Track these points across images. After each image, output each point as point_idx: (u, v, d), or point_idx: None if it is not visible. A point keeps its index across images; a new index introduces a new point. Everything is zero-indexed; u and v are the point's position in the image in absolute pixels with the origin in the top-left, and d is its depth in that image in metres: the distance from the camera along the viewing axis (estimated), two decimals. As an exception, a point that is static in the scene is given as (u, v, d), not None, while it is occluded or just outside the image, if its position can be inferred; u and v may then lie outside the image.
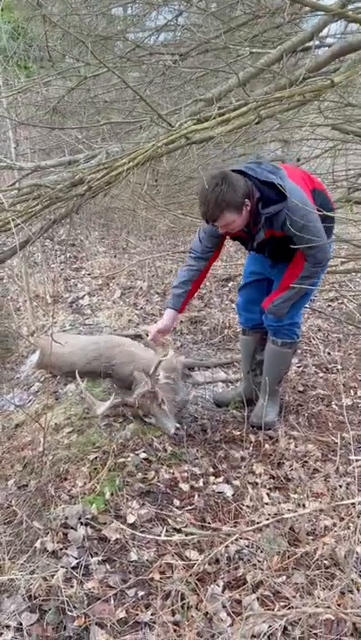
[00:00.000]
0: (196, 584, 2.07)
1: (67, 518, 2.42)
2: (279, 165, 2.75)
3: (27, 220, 2.12)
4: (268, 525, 2.23)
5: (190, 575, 2.09)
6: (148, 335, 3.25)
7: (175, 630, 1.87)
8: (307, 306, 4.42)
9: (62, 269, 7.17)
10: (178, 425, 3.25)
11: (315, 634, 1.84)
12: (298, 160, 5.24)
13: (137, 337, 4.47)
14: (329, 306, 5.46)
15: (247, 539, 2.28)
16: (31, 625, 1.91)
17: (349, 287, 5.78)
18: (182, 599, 2.00)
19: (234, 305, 5.33)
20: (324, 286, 5.73)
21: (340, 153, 4.93)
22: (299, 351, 4.34)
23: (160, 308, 5.45)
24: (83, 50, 4.14)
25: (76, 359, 3.80)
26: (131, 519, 2.46)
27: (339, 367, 4.07)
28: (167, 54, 4.03)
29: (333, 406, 3.49)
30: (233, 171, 2.60)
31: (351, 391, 3.72)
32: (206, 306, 5.42)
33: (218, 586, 2.06)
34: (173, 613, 1.95)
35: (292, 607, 1.89)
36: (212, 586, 2.06)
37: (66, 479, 2.79)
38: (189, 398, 3.72)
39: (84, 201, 2.27)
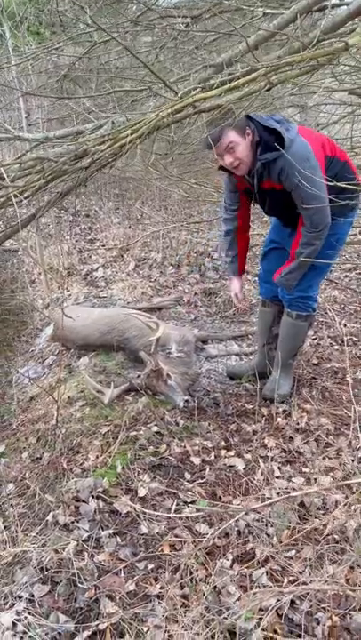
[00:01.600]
0: (205, 558, 2.09)
1: (78, 491, 2.45)
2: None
3: (30, 195, 2.08)
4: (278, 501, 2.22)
5: (200, 549, 2.11)
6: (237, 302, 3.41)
7: (183, 604, 1.89)
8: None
9: (77, 241, 7.14)
10: (187, 398, 3.25)
11: (323, 608, 1.85)
12: (316, 126, 5.09)
13: (150, 310, 4.46)
14: (346, 276, 5.36)
15: (258, 512, 2.29)
16: (42, 596, 1.95)
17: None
18: (191, 573, 2.02)
19: (249, 276, 5.26)
20: (341, 256, 5.62)
21: (360, 118, 4.77)
22: (314, 323, 4.28)
23: (174, 280, 5.42)
24: (96, 13, 4.01)
25: (88, 332, 3.82)
26: (142, 492, 2.48)
27: (354, 339, 4.01)
28: (179, 17, 3.88)
29: (348, 379, 3.44)
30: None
31: (367, 364, 3.66)
32: (221, 277, 5.36)
33: (227, 560, 2.07)
34: (182, 587, 1.97)
35: (300, 583, 1.89)
36: (221, 560, 2.07)
37: (78, 452, 2.82)
38: (202, 371, 3.72)
39: (90, 174, 2.22)
